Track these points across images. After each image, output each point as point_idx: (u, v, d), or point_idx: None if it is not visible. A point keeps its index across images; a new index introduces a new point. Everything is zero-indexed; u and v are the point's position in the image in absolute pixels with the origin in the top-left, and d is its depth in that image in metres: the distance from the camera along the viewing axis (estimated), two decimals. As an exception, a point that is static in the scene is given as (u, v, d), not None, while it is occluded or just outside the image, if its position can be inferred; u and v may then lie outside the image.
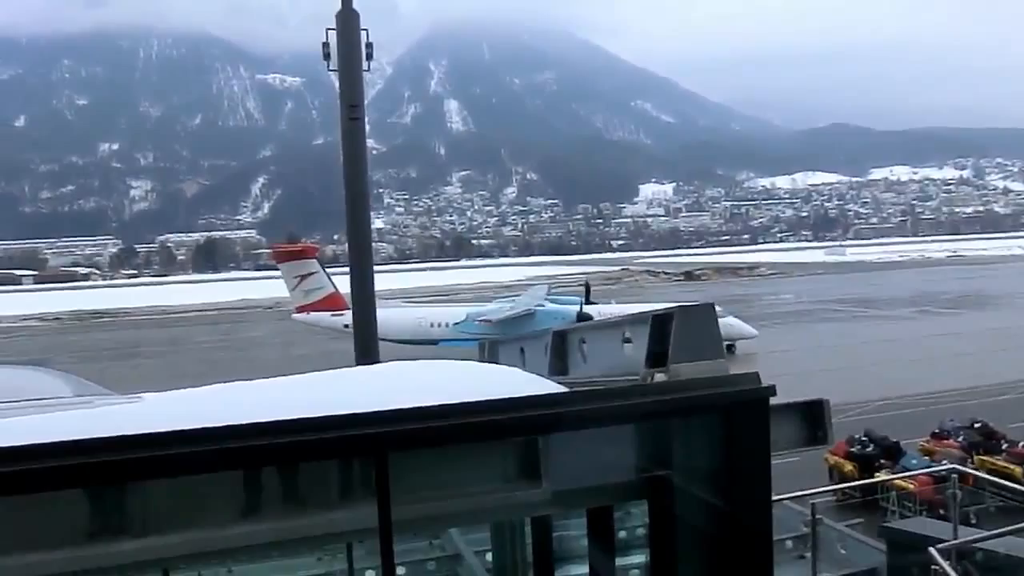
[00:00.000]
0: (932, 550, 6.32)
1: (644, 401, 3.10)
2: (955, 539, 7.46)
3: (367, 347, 13.82)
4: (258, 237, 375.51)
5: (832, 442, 4.07)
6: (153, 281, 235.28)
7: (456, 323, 52.44)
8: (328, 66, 13.47)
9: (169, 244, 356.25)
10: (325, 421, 2.61)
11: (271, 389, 3.65)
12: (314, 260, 58.27)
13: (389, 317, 55.51)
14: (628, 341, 5.19)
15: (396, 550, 2.60)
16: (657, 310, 5.13)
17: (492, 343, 7.97)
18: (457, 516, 3.60)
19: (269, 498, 2.81)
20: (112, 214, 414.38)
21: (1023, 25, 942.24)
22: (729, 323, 55.61)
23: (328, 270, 58.98)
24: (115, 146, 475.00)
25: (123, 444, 2.39)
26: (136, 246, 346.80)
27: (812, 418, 4.09)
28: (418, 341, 50.06)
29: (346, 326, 55.17)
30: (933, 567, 6.26)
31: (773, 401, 3.28)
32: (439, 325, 53.86)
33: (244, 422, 2.50)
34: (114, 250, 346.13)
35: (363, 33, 13.54)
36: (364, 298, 14.21)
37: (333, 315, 53.76)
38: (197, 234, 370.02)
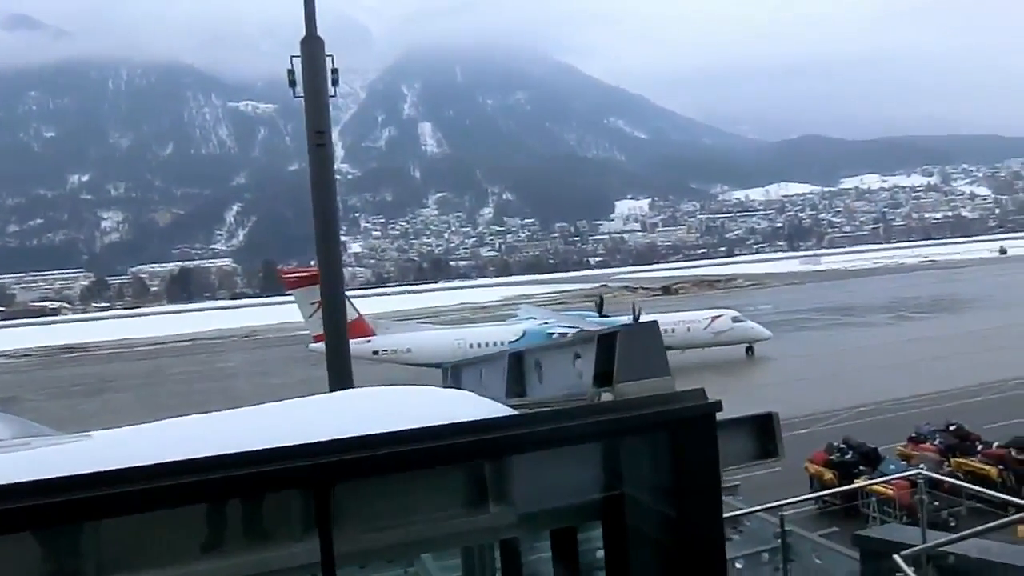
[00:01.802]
0: (896, 557, 6.36)
1: (589, 421, 3.08)
2: (922, 544, 7.50)
3: (341, 373, 13.75)
4: (234, 265, 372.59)
5: (783, 455, 4.09)
6: (126, 313, 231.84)
7: (513, 340, 50.00)
8: (294, 93, 13.50)
9: (142, 275, 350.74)
10: (261, 455, 2.54)
11: (223, 422, 3.61)
12: None
13: (424, 341, 54.43)
14: (578, 357, 5.19)
15: None
16: (603, 329, 5.14)
17: (455, 366, 7.96)
18: (411, 544, 3.55)
19: (206, 537, 2.73)
20: (82, 246, 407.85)
21: (985, 37, 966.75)
22: (748, 326, 58.46)
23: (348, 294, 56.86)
24: (84, 177, 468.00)
25: (37, 489, 2.29)
26: (108, 278, 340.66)
27: (762, 432, 4.10)
28: None
29: (375, 353, 53.80)
30: (898, 574, 6.30)
31: (724, 416, 3.30)
32: (482, 345, 51.76)
33: (185, 457, 2.45)
34: (85, 283, 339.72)
35: (328, 59, 13.60)
36: (335, 324, 14.16)
37: (359, 342, 51.70)
38: (171, 264, 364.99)
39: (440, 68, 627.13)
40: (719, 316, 58.66)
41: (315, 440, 2.64)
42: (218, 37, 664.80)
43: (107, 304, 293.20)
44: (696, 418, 3.11)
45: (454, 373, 7.71)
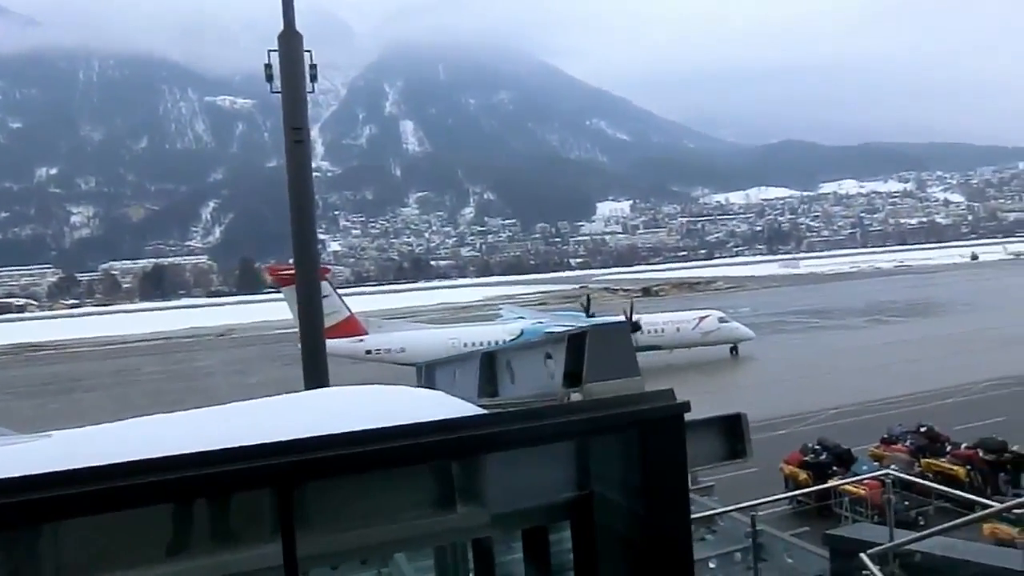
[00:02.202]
0: (863, 555, 6.45)
1: (557, 421, 3.07)
2: (889, 543, 7.62)
3: (316, 373, 13.65)
4: (210, 262, 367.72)
5: (752, 455, 4.12)
6: (96, 311, 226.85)
7: (509, 340, 49.95)
8: (271, 88, 13.37)
9: (113, 272, 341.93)
10: (221, 454, 2.49)
11: (187, 421, 3.55)
12: (325, 282, 54.43)
13: (418, 340, 53.91)
14: (549, 358, 5.19)
15: None
16: (572, 330, 5.14)
17: (429, 366, 7.92)
18: (380, 545, 3.52)
19: (166, 539, 2.67)
20: (51, 242, 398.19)
21: (960, 46, 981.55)
22: (733, 327, 60.25)
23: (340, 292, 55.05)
24: (53, 171, 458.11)
25: None
26: (77, 275, 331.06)
27: (730, 432, 4.12)
28: None
29: (368, 352, 52.93)
30: (864, 572, 6.38)
31: (692, 416, 3.30)
32: (477, 344, 51.48)
33: (146, 457, 2.40)
34: (53, 280, 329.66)
35: (307, 55, 13.47)
36: (312, 322, 14.06)
37: (352, 341, 50.76)
38: (144, 261, 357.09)
39: (423, 66, 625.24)
40: (706, 316, 59.80)
41: (279, 440, 2.59)
42: (195, 29, 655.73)
43: (76, 301, 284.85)
44: (665, 418, 3.10)
45: (428, 372, 7.69)
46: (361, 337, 51.90)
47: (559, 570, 3.60)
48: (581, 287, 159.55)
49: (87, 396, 56.36)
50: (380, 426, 2.78)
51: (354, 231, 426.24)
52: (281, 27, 13.43)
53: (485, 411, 3.60)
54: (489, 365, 6.14)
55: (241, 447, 2.53)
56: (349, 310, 52.61)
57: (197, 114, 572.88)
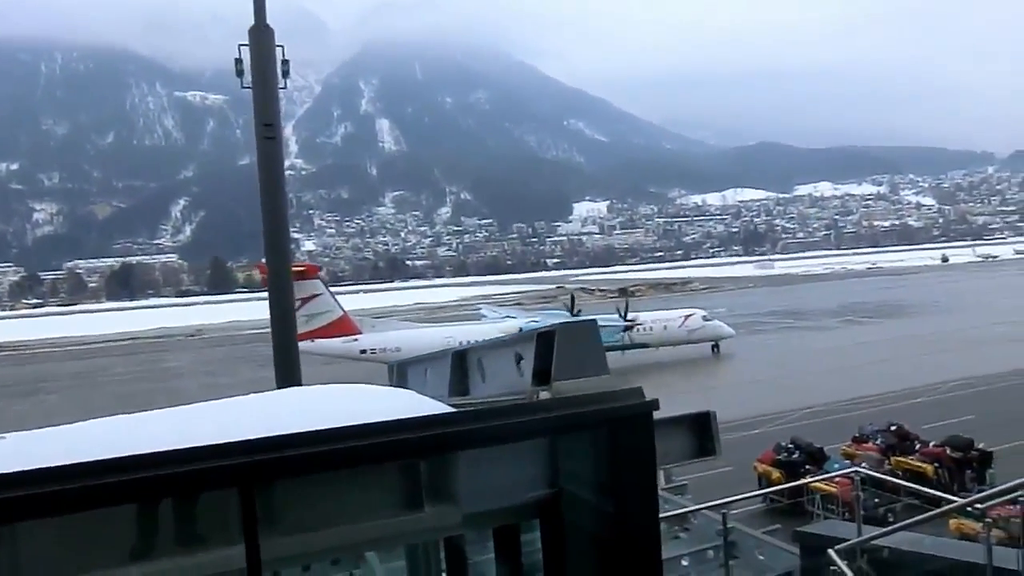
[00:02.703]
0: (831, 551, 6.52)
1: (525, 420, 3.06)
2: (856, 538, 7.72)
3: (288, 373, 13.51)
4: (180, 262, 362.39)
5: (721, 453, 4.12)
6: (60, 311, 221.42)
7: None
8: (242, 83, 13.19)
9: (78, 271, 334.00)
10: (180, 454, 2.44)
11: (147, 422, 3.46)
12: (317, 280, 52.76)
13: (413, 339, 53.56)
14: (520, 356, 5.16)
15: None
16: (541, 328, 5.12)
17: (400, 364, 7.87)
18: (349, 545, 3.47)
19: (126, 541, 2.61)
20: (12, 239, 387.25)
21: (934, 53, 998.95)
22: (716, 325, 61.69)
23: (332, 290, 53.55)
24: (14, 166, 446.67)
25: None
26: (40, 274, 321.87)
27: (699, 430, 4.13)
28: None
29: (363, 352, 52.22)
30: (832, 567, 6.45)
31: (662, 415, 3.29)
32: (473, 343, 51.58)
33: (102, 458, 2.33)
34: (15, 279, 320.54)
35: (279, 50, 13.32)
36: (284, 321, 13.92)
37: (345, 341, 49.80)
38: (111, 260, 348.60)
39: (399, 64, 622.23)
40: (691, 315, 61.51)
41: (242, 439, 2.54)
42: (163, 22, 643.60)
43: (39, 301, 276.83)
44: (633, 416, 3.11)
45: (400, 371, 7.63)
46: (355, 337, 51.14)
47: (531, 568, 3.58)
48: (558, 287, 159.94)
49: (49, 398, 54.95)
50: (347, 424, 2.74)
51: (329, 230, 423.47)
52: (252, 21, 13.28)
53: (454, 410, 3.56)
54: (460, 364, 6.10)
55: (201, 447, 2.48)
56: (343, 310, 51.69)
57: (166, 109, 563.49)
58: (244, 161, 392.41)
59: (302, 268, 57.76)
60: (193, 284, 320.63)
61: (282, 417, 3.11)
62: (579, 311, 61.21)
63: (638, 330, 58.06)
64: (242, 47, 13.05)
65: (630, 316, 57.51)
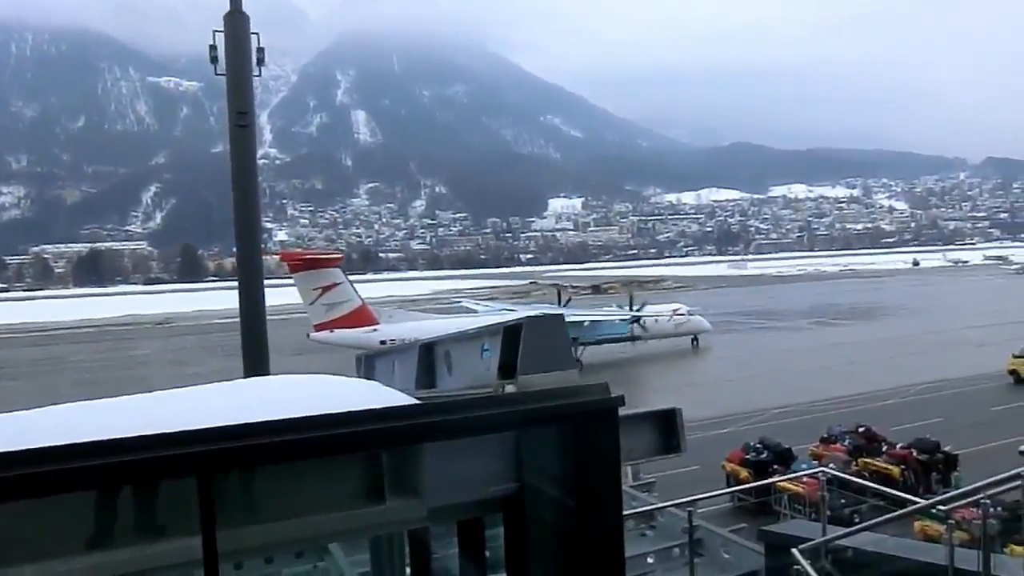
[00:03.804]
0: (794, 550, 6.57)
1: (489, 413, 3.02)
2: (820, 538, 7.80)
3: (256, 361, 13.33)
4: (150, 249, 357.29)
5: (686, 450, 4.12)
6: (25, 296, 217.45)
7: None
8: (215, 70, 12.96)
9: (45, 255, 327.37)
10: (134, 442, 2.37)
11: (104, 409, 3.37)
12: (337, 269, 51.94)
13: (431, 331, 52.94)
14: (486, 349, 5.13)
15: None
16: (507, 321, 5.08)
17: (368, 356, 7.81)
18: (310, 537, 3.42)
19: (81, 530, 2.55)
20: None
21: (909, 58, 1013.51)
22: (698, 319, 64.04)
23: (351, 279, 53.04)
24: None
25: None
26: (5, 258, 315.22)
27: (665, 427, 4.12)
28: None
29: (382, 342, 51.92)
30: (796, 567, 6.51)
31: (628, 411, 3.27)
32: None
33: (57, 444, 2.27)
34: None
35: (254, 37, 13.10)
36: (254, 311, 13.71)
37: (365, 331, 49.16)
38: (79, 245, 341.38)
39: (376, 56, 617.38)
40: (678, 309, 64.18)
41: (202, 427, 2.51)
42: (138, 6, 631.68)
43: (4, 286, 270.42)
44: (598, 411, 3.09)
45: (368, 363, 7.57)
46: (375, 327, 50.46)
47: (495, 562, 3.55)
48: (531, 283, 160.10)
49: (10, 384, 53.71)
50: (308, 415, 2.72)
51: (302, 221, 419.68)
52: (228, 7, 13.04)
53: (417, 401, 3.52)
54: (427, 356, 6.06)
55: (158, 434, 2.42)
56: (361, 299, 51.01)
57: (139, 95, 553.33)
58: (217, 149, 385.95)
59: (320, 257, 56.26)
60: (163, 272, 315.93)
61: (244, 406, 3.04)
62: (568, 300, 62.62)
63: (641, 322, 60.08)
64: (217, 33, 12.80)
65: (635, 308, 59.71)
